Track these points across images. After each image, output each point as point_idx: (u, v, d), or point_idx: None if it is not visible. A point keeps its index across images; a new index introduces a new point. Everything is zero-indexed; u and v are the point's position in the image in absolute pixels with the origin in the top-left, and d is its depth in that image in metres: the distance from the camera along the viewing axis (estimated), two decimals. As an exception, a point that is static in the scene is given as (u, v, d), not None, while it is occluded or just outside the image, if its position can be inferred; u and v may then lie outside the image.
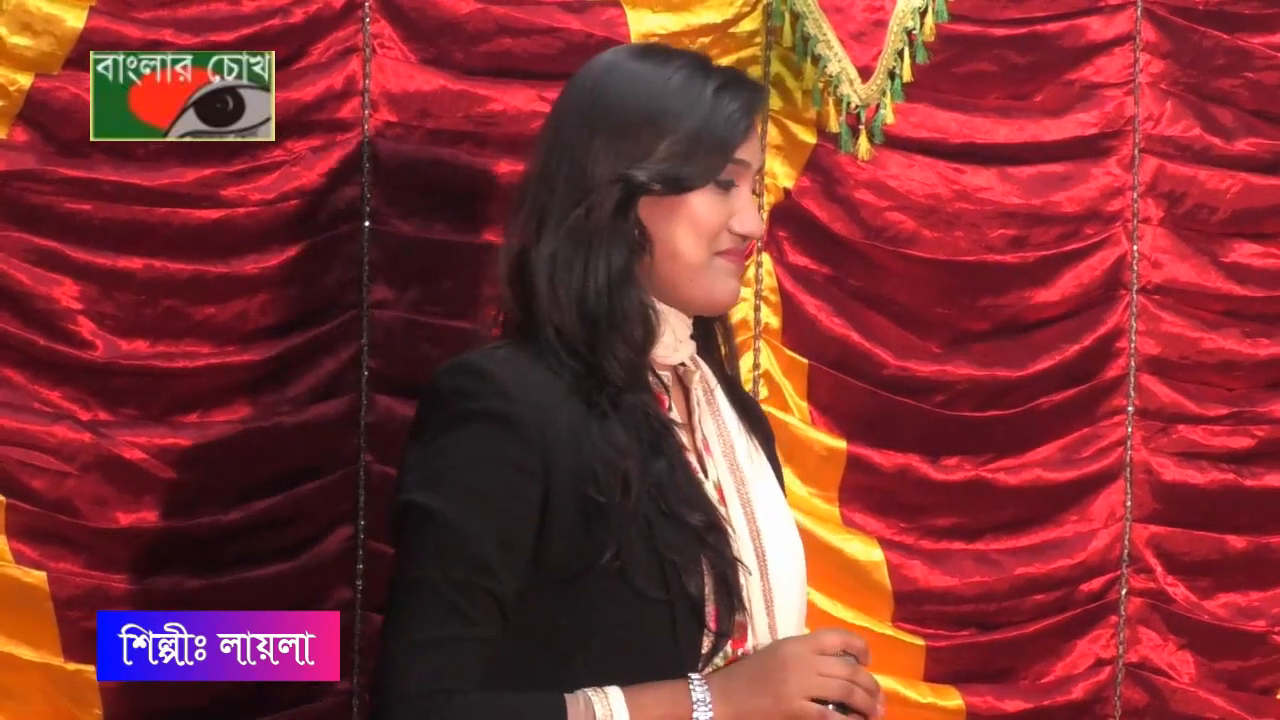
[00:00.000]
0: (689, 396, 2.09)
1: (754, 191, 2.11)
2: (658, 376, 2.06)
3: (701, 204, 2.04)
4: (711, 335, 2.16)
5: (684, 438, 2.06)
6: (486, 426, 1.94)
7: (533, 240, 2.04)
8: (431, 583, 1.91)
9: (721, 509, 2.02)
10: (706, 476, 2.05)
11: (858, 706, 1.94)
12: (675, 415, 2.06)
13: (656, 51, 2.14)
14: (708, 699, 1.92)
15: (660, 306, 2.06)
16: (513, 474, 1.93)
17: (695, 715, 1.91)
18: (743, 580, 1.98)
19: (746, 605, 1.98)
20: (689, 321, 2.10)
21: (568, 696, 1.90)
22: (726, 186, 2.05)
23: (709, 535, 1.97)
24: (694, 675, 1.93)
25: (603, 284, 2.01)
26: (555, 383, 1.98)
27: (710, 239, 2.04)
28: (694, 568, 1.95)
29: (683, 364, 2.10)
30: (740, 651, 1.98)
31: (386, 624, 1.94)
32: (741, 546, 2.00)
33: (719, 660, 1.96)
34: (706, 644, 1.95)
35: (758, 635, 1.99)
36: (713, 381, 2.13)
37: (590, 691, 1.91)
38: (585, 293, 2.00)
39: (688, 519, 1.96)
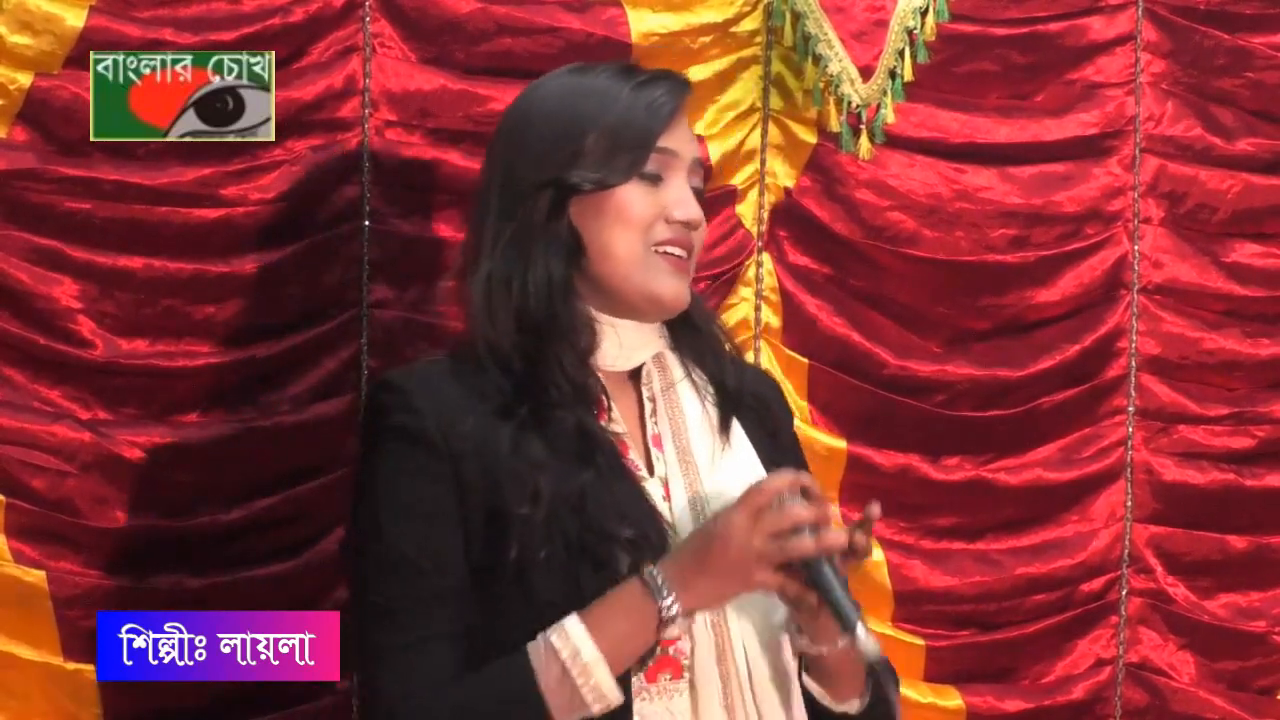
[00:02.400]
0: (641, 397, 2.10)
1: (693, 180, 2.10)
2: (600, 382, 2.06)
3: (628, 198, 2.04)
4: (698, 333, 2.15)
5: (630, 440, 2.06)
6: (397, 443, 1.99)
7: (471, 267, 2.07)
8: (378, 600, 1.96)
9: (664, 505, 2.01)
10: (652, 474, 2.05)
11: (829, 546, 1.88)
12: (618, 418, 2.07)
13: (582, 65, 2.16)
14: (668, 589, 1.90)
15: (600, 315, 2.06)
16: (428, 483, 1.97)
17: (666, 619, 1.90)
18: None
19: None
20: (642, 326, 2.10)
21: (529, 646, 1.90)
22: (654, 179, 2.06)
23: (633, 546, 1.96)
24: (650, 569, 1.91)
25: (543, 295, 2.03)
26: (470, 395, 2.00)
27: (642, 232, 2.04)
28: (610, 575, 1.95)
29: (643, 364, 2.10)
30: (672, 650, 1.97)
31: (356, 645, 1.98)
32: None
33: (649, 660, 1.95)
34: None
35: (694, 633, 1.98)
36: (677, 377, 2.12)
37: (549, 632, 1.90)
38: (525, 305, 2.03)
39: (611, 530, 1.96)
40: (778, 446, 2.16)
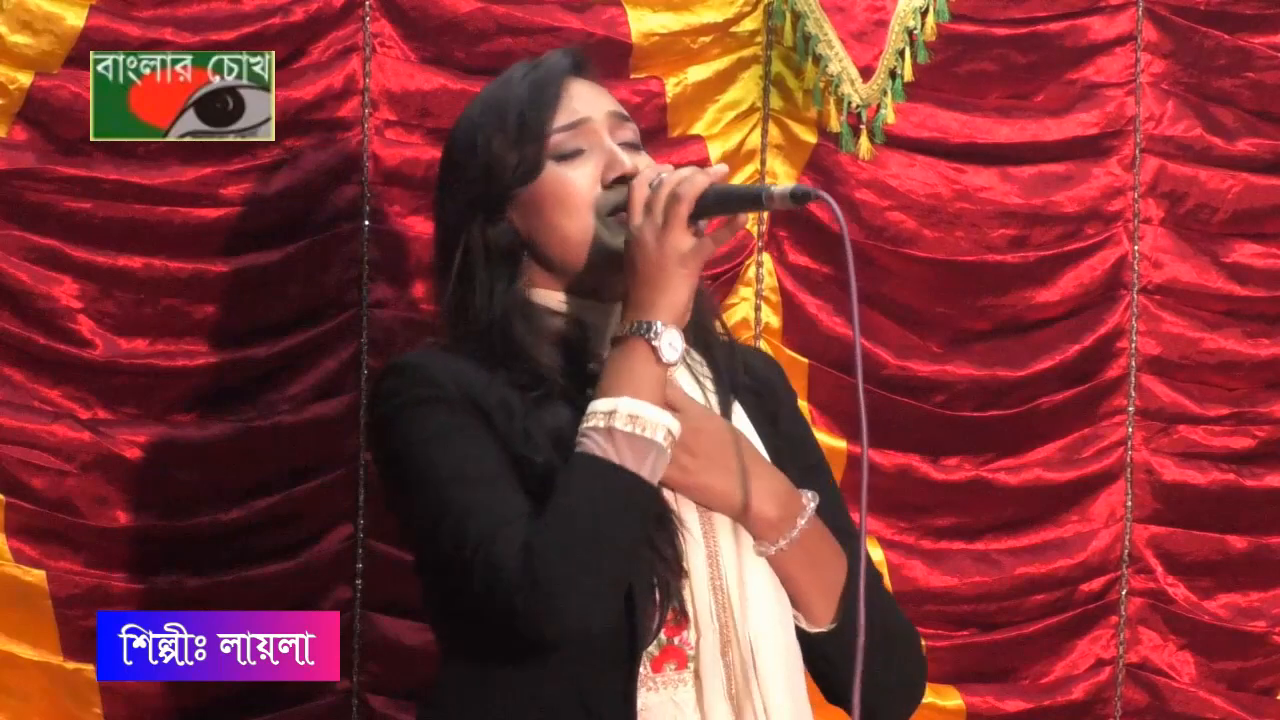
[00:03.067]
0: None
1: (620, 136, 2.04)
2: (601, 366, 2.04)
3: (556, 181, 2.01)
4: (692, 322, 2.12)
5: None
6: (425, 409, 1.94)
7: (443, 302, 2.05)
8: (461, 496, 1.89)
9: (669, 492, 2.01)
10: None
11: (714, 175, 1.90)
12: None
13: (496, 79, 2.12)
14: (638, 319, 1.90)
15: (585, 305, 2.03)
16: (463, 417, 1.93)
17: (656, 344, 1.89)
18: (685, 558, 1.96)
19: (686, 592, 1.95)
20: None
21: (578, 452, 1.87)
22: (574, 154, 2.01)
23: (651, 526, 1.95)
24: (626, 324, 1.91)
25: (497, 316, 2.00)
26: (481, 370, 1.97)
27: (588, 206, 2.00)
28: None
29: None
30: (677, 640, 1.97)
31: (450, 541, 1.89)
32: (688, 531, 1.98)
33: (652, 650, 1.95)
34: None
35: (700, 624, 1.97)
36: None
37: (583, 424, 1.88)
38: (488, 330, 2.00)
39: None
40: (779, 432, 2.12)
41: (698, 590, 1.97)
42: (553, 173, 2.01)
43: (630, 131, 2.06)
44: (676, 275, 1.90)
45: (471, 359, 1.99)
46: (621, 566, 1.88)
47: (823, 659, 2.04)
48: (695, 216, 1.90)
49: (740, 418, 2.09)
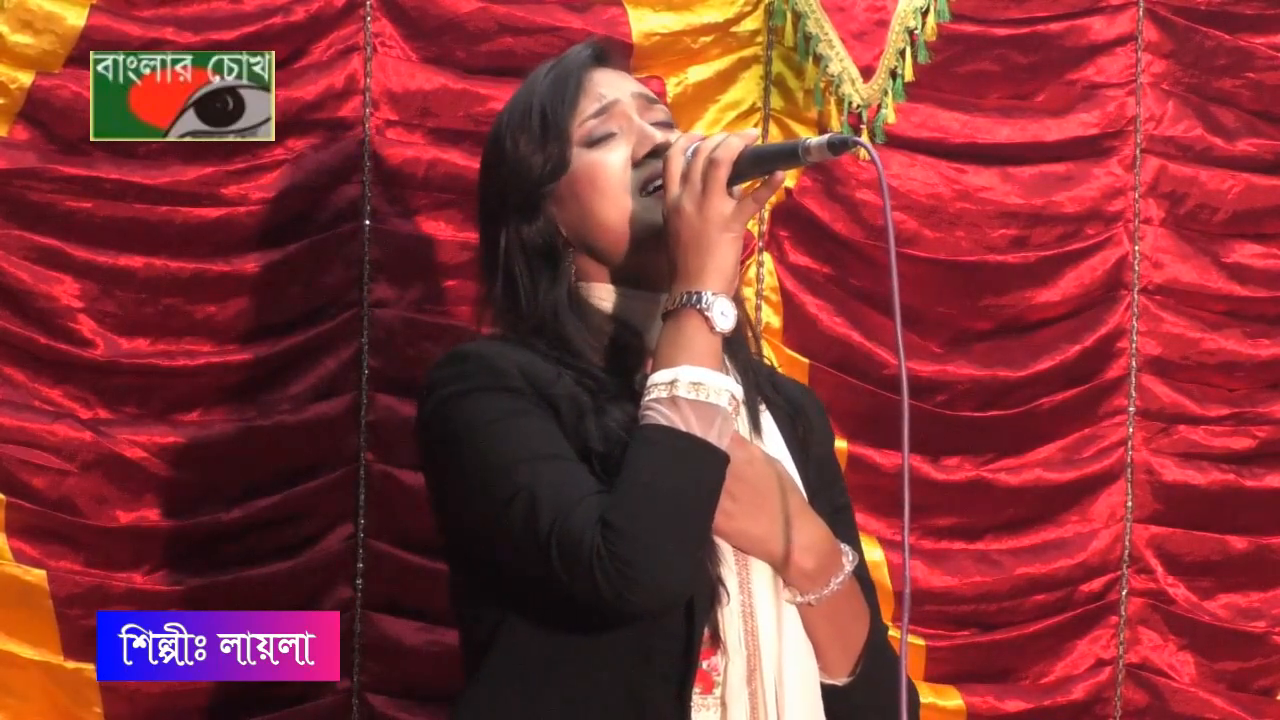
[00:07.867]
0: None
1: (648, 116, 2.04)
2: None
3: (589, 166, 2.01)
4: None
5: None
6: (490, 394, 1.93)
7: (491, 301, 2.05)
8: (532, 475, 1.88)
9: None
10: None
11: (745, 137, 1.92)
12: None
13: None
14: (689, 289, 1.89)
15: (624, 297, 2.02)
16: (536, 416, 1.92)
17: (708, 314, 1.89)
18: (722, 574, 1.96)
19: (719, 616, 1.96)
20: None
21: (644, 424, 1.86)
22: (603, 139, 2.02)
23: None
24: (675, 296, 1.90)
25: (550, 315, 1.99)
26: (549, 366, 1.96)
27: (622, 188, 2.00)
28: None
29: None
30: (706, 664, 1.96)
31: (523, 521, 1.87)
32: (723, 557, 1.97)
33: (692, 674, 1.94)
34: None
35: (729, 648, 1.96)
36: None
37: (645, 397, 1.87)
38: (542, 328, 1.99)
39: None
40: (809, 460, 2.10)
41: (729, 616, 1.97)
42: (584, 160, 2.01)
43: (661, 112, 2.07)
44: (721, 241, 1.90)
45: (534, 352, 1.98)
46: (697, 533, 1.88)
47: (830, 713, 2.03)
48: (733, 180, 1.90)
49: (770, 429, 2.08)
